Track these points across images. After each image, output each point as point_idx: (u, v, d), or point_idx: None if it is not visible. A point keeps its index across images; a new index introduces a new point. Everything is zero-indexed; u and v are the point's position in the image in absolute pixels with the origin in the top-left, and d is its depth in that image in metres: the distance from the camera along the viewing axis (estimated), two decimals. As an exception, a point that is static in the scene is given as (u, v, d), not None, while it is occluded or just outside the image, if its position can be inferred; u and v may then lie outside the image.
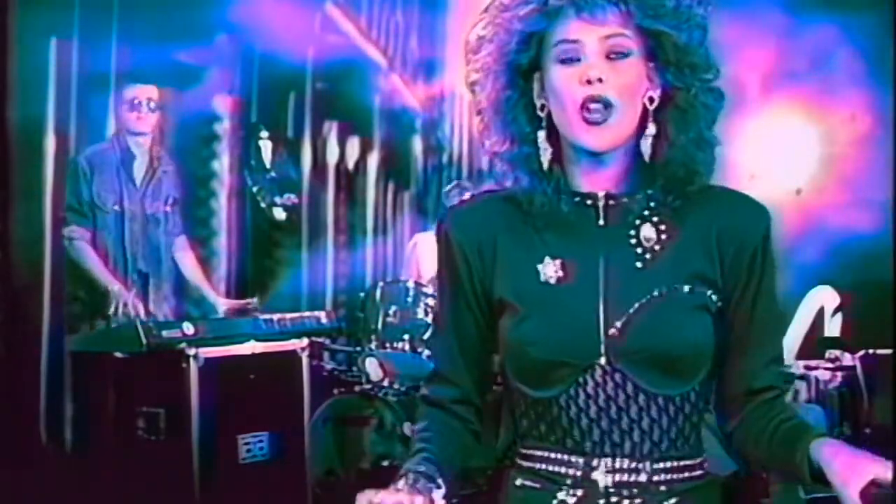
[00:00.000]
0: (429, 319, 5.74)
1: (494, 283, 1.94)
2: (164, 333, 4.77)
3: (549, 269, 1.91)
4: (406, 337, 5.86)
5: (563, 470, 1.93)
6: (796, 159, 7.51)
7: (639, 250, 1.90)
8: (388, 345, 5.92)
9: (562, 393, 1.89)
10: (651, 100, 1.88)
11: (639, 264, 1.89)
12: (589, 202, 1.92)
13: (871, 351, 6.56)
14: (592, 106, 1.84)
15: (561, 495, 1.92)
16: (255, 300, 5.58)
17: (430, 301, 5.75)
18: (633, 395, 1.88)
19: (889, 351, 6.52)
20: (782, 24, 7.26)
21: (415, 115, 8.49)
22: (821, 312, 7.18)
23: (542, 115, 1.90)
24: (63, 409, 5.32)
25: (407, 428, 5.62)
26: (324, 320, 5.48)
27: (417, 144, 8.48)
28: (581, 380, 1.88)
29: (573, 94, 1.85)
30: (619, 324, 1.87)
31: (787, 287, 7.21)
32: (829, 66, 7.19)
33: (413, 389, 5.87)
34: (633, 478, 1.90)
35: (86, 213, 5.31)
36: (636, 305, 1.87)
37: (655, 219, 1.91)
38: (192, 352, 4.75)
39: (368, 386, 5.80)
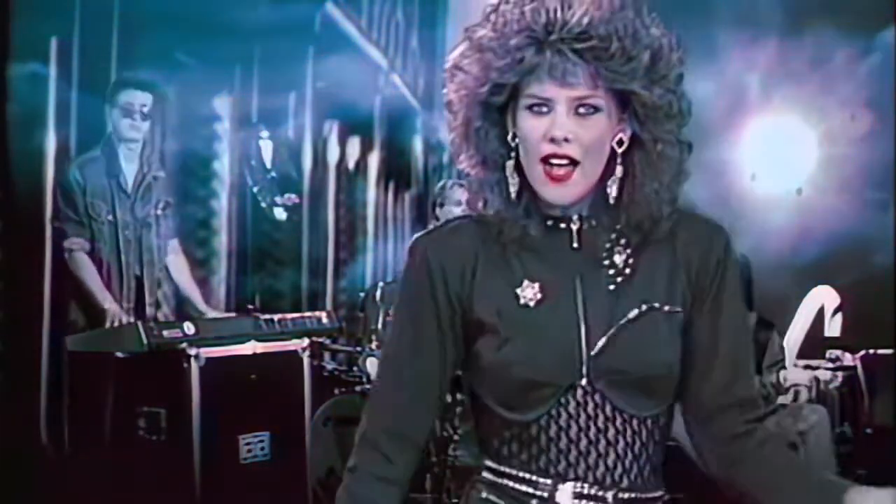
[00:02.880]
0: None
1: (474, 306, 1.93)
2: (165, 333, 4.77)
3: (528, 292, 1.92)
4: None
5: (529, 490, 1.93)
6: (796, 159, 7.51)
7: (611, 272, 1.92)
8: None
9: (542, 415, 1.90)
10: (620, 142, 1.89)
11: (611, 287, 1.91)
12: (562, 225, 1.93)
13: (871, 351, 6.57)
14: (555, 161, 1.85)
15: None
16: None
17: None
18: (611, 416, 1.89)
19: (889, 351, 6.53)
20: (782, 25, 7.27)
21: (415, 115, 8.49)
22: (821, 312, 7.19)
23: (512, 144, 1.90)
24: (63, 409, 5.31)
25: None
26: (324, 320, 5.48)
27: (417, 144, 8.49)
28: (563, 400, 1.90)
29: (538, 147, 1.86)
30: (599, 344, 1.88)
31: (788, 287, 7.22)
32: (829, 66, 7.19)
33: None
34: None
35: (84, 222, 5.29)
36: (615, 326, 1.89)
37: (623, 242, 1.93)
38: (193, 351, 4.76)
39: (369, 386, 5.80)
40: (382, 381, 2.04)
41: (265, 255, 7.09)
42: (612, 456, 1.90)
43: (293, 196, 6.05)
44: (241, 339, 5.02)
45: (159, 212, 5.50)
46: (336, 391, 5.93)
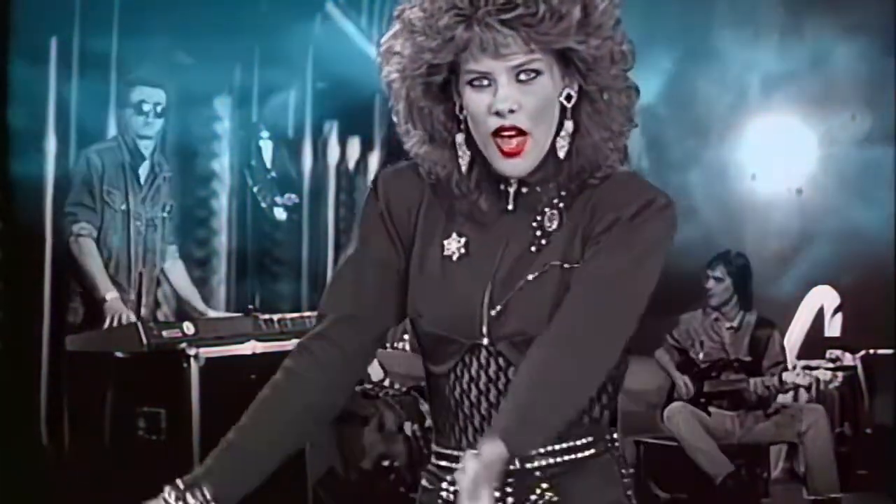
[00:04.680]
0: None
1: (412, 247, 1.95)
2: (165, 333, 4.78)
3: (453, 245, 1.93)
4: (406, 337, 5.86)
5: (449, 465, 1.92)
6: (796, 159, 7.51)
7: (538, 233, 1.90)
8: (388, 345, 5.92)
9: (450, 370, 1.91)
10: (569, 97, 1.87)
11: (532, 248, 1.89)
12: (501, 187, 1.92)
13: (871, 351, 6.57)
14: (505, 134, 1.84)
15: (444, 493, 1.94)
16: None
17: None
18: (512, 378, 1.85)
19: (889, 351, 6.53)
20: (782, 25, 7.27)
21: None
22: (821, 312, 7.19)
23: (461, 116, 1.89)
24: (63, 409, 5.31)
25: (408, 427, 5.62)
26: (324, 320, 5.47)
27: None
28: (466, 359, 1.90)
29: (486, 122, 1.85)
30: (499, 305, 1.87)
31: (788, 287, 7.22)
32: (829, 66, 7.19)
33: (414, 389, 5.88)
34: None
35: (96, 209, 5.28)
36: (517, 287, 1.87)
37: (560, 205, 1.90)
38: (192, 351, 4.76)
39: (369, 386, 5.80)
40: (334, 281, 2.04)
41: (265, 255, 7.09)
42: None
43: (293, 196, 6.05)
44: (240, 339, 5.02)
45: (165, 214, 5.51)
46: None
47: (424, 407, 5.84)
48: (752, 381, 6.12)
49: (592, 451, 1.91)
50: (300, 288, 7.37)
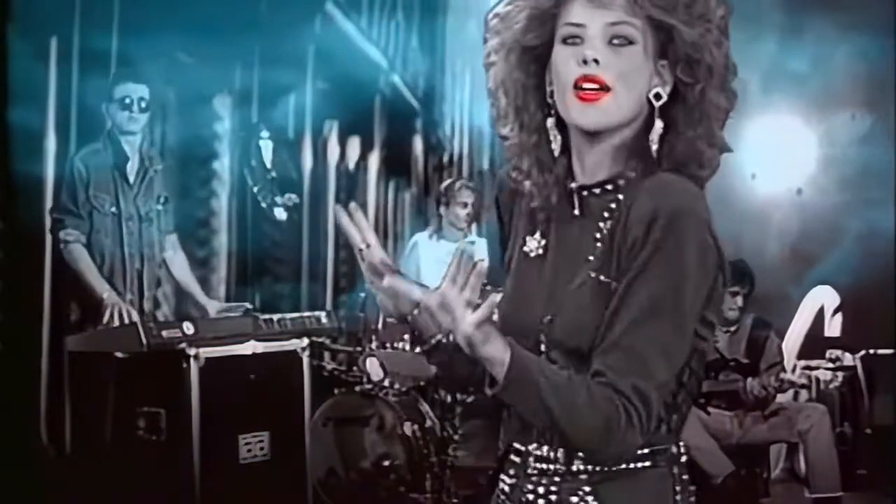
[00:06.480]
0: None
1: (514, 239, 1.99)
2: (165, 333, 4.77)
3: (534, 244, 1.94)
4: (406, 337, 5.85)
5: (512, 457, 1.94)
6: (796, 159, 7.51)
7: (593, 241, 1.88)
8: (388, 345, 5.92)
9: None
10: (658, 96, 1.86)
11: (588, 258, 1.87)
12: (569, 186, 1.92)
13: (871, 351, 6.57)
14: (587, 85, 1.82)
15: (504, 480, 1.94)
16: (246, 305, 5.55)
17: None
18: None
19: (889, 351, 6.53)
20: (782, 24, 7.27)
21: (415, 115, 8.49)
22: (821, 312, 7.19)
23: (551, 101, 1.89)
24: (63, 409, 5.31)
25: (407, 428, 5.62)
26: (323, 320, 5.48)
27: (417, 144, 8.49)
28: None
29: (569, 72, 1.84)
30: (550, 314, 1.86)
31: (788, 287, 7.22)
32: (829, 66, 7.19)
33: (414, 389, 5.88)
34: (552, 466, 1.88)
35: (82, 215, 5.29)
36: (565, 296, 1.86)
37: (615, 214, 1.87)
38: (192, 352, 4.75)
39: (369, 386, 5.80)
40: None
41: (265, 255, 7.09)
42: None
43: (293, 196, 6.05)
44: (240, 339, 5.02)
45: (160, 206, 5.50)
46: (336, 391, 5.92)
47: (424, 407, 5.83)
48: (748, 381, 6.12)
49: (648, 462, 1.87)
50: (300, 288, 7.38)
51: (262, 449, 4.97)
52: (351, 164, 7.98)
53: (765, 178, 7.55)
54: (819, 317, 7.18)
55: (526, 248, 1.94)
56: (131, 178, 5.40)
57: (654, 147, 1.86)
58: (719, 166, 1.92)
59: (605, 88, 1.82)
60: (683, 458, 1.93)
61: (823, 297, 7.18)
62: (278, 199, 5.90)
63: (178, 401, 4.72)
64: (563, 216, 1.91)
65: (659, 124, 1.86)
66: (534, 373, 1.75)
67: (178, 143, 6.39)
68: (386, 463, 5.63)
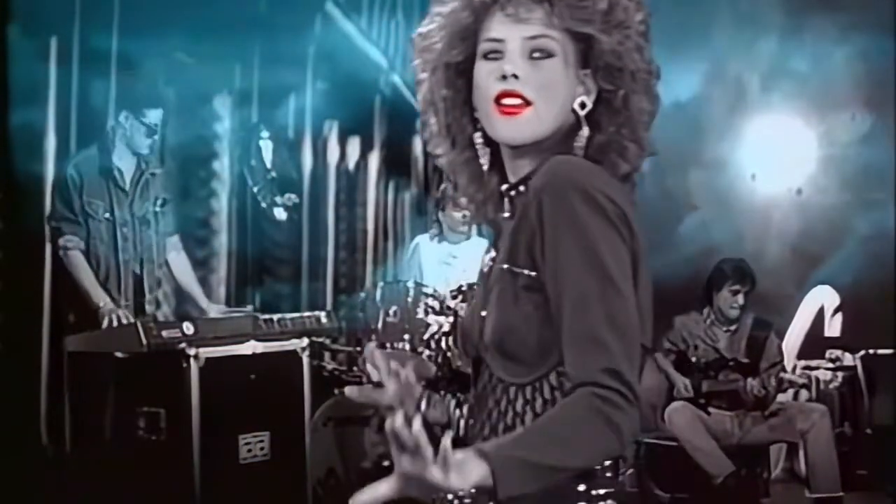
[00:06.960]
0: (429, 319, 5.73)
1: None
2: (165, 333, 4.77)
3: (487, 258, 1.96)
4: (406, 337, 5.85)
5: None
6: (796, 159, 7.51)
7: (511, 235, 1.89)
8: (388, 345, 5.92)
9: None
10: (583, 105, 1.87)
11: (502, 251, 1.89)
12: (502, 188, 1.94)
13: (871, 351, 6.57)
14: (506, 101, 1.84)
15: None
16: (248, 310, 5.55)
17: (431, 301, 5.74)
18: (495, 384, 1.87)
19: (889, 351, 6.53)
20: (782, 24, 7.27)
21: (415, 115, 8.48)
22: (821, 312, 7.19)
23: (477, 115, 1.91)
24: (63, 409, 5.31)
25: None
26: (324, 320, 5.48)
27: (417, 144, 8.48)
28: (481, 368, 1.92)
29: (490, 87, 1.85)
30: (484, 315, 1.88)
31: (788, 287, 7.22)
32: (829, 66, 7.19)
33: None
34: None
35: (79, 221, 5.29)
36: (493, 294, 1.86)
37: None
38: (192, 351, 4.75)
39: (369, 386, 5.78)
40: None
41: (265, 255, 7.09)
42: (501, 427, 1.86)
43: (293, 196, 6.05)
44: (240, 339, 5.02)
45: (157, 209, 5.49)
46: (336, 391, 5.92)
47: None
48: (748, 381, 6.12)
49: None
50: (300, 288, 7.37)
51: (262, 449, 4.97)
52: (351, 164, 7.97)
53: (765, 178, 7.55)
54: (819, 317, 7.18)
55: (483, 267, 1.96)
56: (126, 185, 5.40)
57: (581, 153, 1.87)
58: (640, 168, 1.90)
59: (526, 102, 1.83)
60: None
61: (823, 297, 7.18)
62: (278, 199, 5.90)
63: (178, 401, 4.72)
64: (502, 224, 1.93)
65: (585, 131, 1.87)
66: (515, 451, 1.67)
67: (178, 144, 6.39)
68: (386, 463, 5.61)
